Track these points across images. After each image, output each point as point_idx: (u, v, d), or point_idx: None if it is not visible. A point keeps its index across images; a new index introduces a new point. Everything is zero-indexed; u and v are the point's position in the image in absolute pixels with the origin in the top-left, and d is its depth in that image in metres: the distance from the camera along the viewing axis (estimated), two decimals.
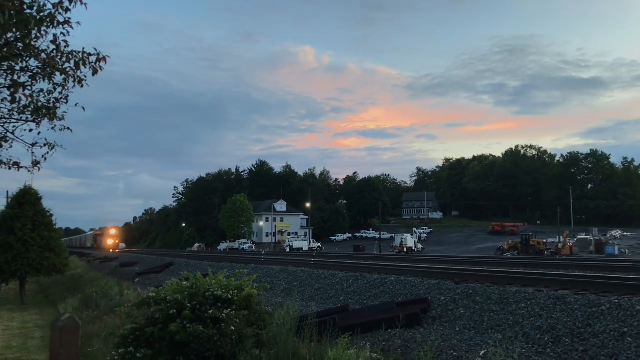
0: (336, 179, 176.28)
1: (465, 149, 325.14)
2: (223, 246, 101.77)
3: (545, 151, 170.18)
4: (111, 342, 12.30)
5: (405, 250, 71.03)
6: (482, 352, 11.06)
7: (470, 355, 10.89)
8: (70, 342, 2.13)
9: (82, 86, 6.71)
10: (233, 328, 10.74)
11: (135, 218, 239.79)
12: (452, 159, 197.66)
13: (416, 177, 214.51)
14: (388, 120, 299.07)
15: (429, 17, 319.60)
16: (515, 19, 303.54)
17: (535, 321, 12.45)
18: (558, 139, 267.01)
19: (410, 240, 75.87)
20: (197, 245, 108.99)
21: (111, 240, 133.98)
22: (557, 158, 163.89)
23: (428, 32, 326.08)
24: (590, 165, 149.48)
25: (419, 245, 79.66)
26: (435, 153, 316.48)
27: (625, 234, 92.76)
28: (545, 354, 10.82)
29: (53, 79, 6.64)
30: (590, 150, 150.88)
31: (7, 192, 43.09)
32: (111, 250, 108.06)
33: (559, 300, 13.04)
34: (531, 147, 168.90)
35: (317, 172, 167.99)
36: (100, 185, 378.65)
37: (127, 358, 10.40)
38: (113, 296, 22.44)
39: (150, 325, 10.75)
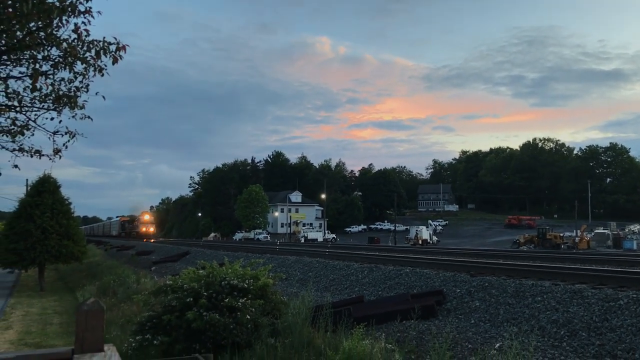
0: (351, 171, 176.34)
1: (482, 141, 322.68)
2: (238, 236, 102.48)
3: (564, 144, 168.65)
4: (128, 329, 12.49)
5: (420, 242, 70.96)
6: (498, 344, 11.03)
7: (486, 347, 10.87)
8: (95, 326, 2.17)
9: (102, 75, 6.80)
10: (249, 317, 10.85)
11: (152, 207, 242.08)
12: (468, 152, 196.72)
13: (432, 169, 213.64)
14: (404, 111, 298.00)
15: (447, 7, 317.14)
16: (535, 10, 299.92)
17: (552, 315, 12.38)
18: (577, 132, 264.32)
19: (425, 233, 75.76)
20: (212, 234, 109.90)
21: (145, 228, 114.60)
22: (575, 151, 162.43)
23: (445, 23, 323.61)
24: (609, 159, 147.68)
25: (434, 238, 79.49)
26: (452, 145, 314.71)
27: None
28: (561, 348, 10.77)
29: (74, 67, 6.72)
30: (610, 143, 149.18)
31: (27, 180, 43.65)
32: (145, 240, 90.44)
33: (576, 294, 12.94)
34: (549, 140, 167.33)
35: (333, 164, 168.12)
36: (117, 175, 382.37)
37: (144, 345, 10.55)
38: (130, 284, 22.72)
39: (167, 313, 10.88)
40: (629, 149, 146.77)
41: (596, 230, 71.69)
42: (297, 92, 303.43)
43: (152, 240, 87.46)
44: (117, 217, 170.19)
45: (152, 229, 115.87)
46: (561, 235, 66.02)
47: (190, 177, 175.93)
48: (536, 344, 9.95)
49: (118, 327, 13.99)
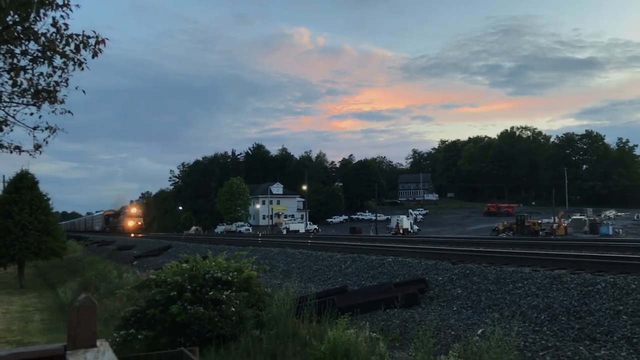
0: (332, 162, 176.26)
1: (461, 131, 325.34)
2: (220, 229, 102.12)
3: (540, 132, 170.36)
4: (112, 325, 12.42)
5: (401, 231, 71.39)
6: (480, 330, 11.21)
7: (468, 333, 11.04)
8: (88, 322, 2.18)
9: (82, 69, 6.71)
10: (233, 309, 10.87)
11: (131, 201, 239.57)
12: (447, 141, 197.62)
13: (412, 159, 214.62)
14: (384, 102, 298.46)
15: None
16: None
17: (532, 300, 12.61)
18: (553, 119, 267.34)
19: (406, 222, 76.24)
20: (194, 228, 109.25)
21: (132, 222, 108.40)
22: (552, 139, 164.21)
23: (424, 13, 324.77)
24: (585, 146, 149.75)
25: (415, 227, 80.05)
26: (431, 135, 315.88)
27: (619, 214, 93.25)
28: (542, 332, 10.98)
29: (53, 62, 6.63)
30: (585, 131, 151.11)
31: (3, 176, 42.99)
32: (132, 235, 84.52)
33: (555, 279, 13.19)
34: (526, 128, 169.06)
35: (313, 155, 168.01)
36: (95, 169, 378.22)
37: (129, 339, 10.53)
38: (112, 279, 22.58)
39: (151, 307, 10.87)
40: (604, 136, 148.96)
41: (573, 217, 72.81)
42: (277, 83, 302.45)
43: (140, 235, 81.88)
44: (97, 211, 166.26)
45: (140, 223, 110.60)
46: (539, 222, 66.91)
47: (171, 170, 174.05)
48: (518, 329, 10.13)
49: (101, 322, 13.91)
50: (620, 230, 63.36)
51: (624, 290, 11.38)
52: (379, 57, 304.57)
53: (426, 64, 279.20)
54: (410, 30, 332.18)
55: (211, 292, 10.99)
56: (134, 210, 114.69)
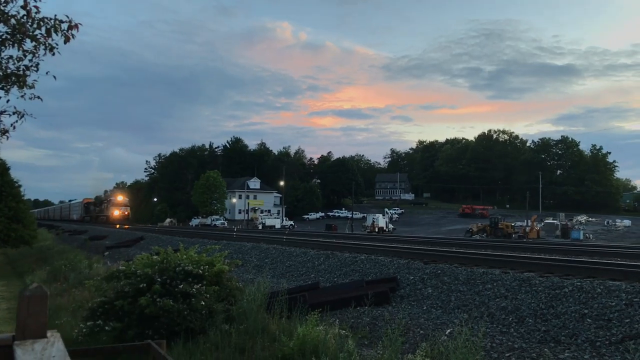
0: (311, 158, 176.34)
1: (440, 132, 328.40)
2: (195, 222, 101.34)
3: (517, 136, 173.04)
4: (79, 315, 12.25)
5: (376, 230, 71.72)
6: (448, 330, 11.31)
7: (437, 333, 11.13)
8: (38, 312, 2.12)
9: (53, 54, 6.56)
10: (203, 303, 10.81)
11: (105, 191, 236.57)
12: (425, 142, 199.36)
13: (390, 159, 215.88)
14: (364, 100, 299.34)
15: None
16: (493, 3, 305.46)
17: (501, 302, 12.76)
18: (530, 124, 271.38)
19: (381, 221, 76.60)
20: (168, 220, 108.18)
21: (118, 211, 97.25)
22: (528, 143, 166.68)
23: (407, 13, 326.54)
24: (560, 152, 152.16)
25: (390, 226, 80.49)
26: (410, 135, 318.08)
27: (590, 219, 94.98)
28: (509, 334, 11.12)
29: (23, 45, 6.48)
30: (561, 136, 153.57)
31: None
32: (118, 226, 74.72)
33: (524, 282, 13.36)
34: (504, 132, 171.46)
35: (292, 151, 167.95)
36: (70, 157, 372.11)
37: (96, 331, 10.39)
38: (82, 269, 22.27)
39: (120, 299, 10.74)
40: (579, 142, 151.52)
41: (546, 221, 73.95)
42: (257, 77, 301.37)
43: (127, 227, 71.72)
44: (70, 200, 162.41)
45: (127, 212, 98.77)
46: (512, 224, 67.88)
47: (146, 161, 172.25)
48: (485, 330, 10.24)
49: (69, 312, 13.70)
50: (591, 236, 64.54)
51: (589, 294, 11.58)
52: (360, 55, 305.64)
53: (407, 64, 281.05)
54: (392, 29, 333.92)
55: (181, 285, 10.90)
56: (120, 198, 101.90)
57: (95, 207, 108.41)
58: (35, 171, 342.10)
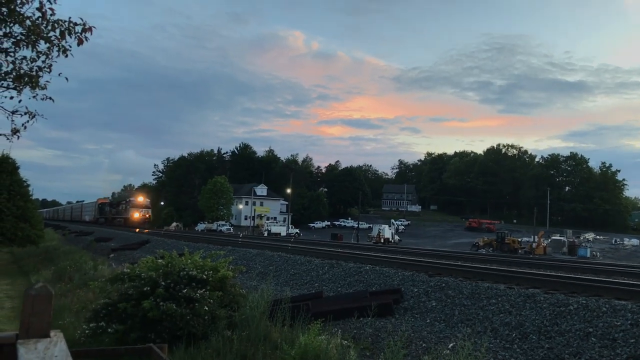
0: (318, 167, 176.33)
1: (448, 145, 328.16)
2: (201, 227, 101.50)
3: (526, 151, 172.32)
4: (82, 316, 12.27)
5: (382, 240, 71.51)
6: (451, 344, 11.24)
7: (439, 347, 11.07)
8: (42, 311, 2.14)
9: (66, 56, 6.63)
10: (206, 308, 10.80)
11: (113, 194, 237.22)
12: (434, 154, 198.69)
13: (397, 170, 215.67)
14: (373, 110, 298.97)
15: (421, 9, 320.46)
16: (506, 17, 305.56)
17: (505, 317, 12.68)
18: (540, 139, 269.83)
19: (387, 232, 76.40)
20: (174, 224, 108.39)
21: (138, 214, 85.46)
22: (537, 159, 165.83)
23: (418, 25, 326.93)
24: (569, 168, 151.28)
25: (396, 237, 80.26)
26: (418, 147, 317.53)
27: (598, 237, 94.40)
28: (512, 350, 11.04)
29: (37, 46, 6.55)
30: (570, 153, 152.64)
31: None
32: (137, 230, 65.91)
33: (529, 298, 13.28)
34: (512, 146, 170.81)
35: (300, 159, 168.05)
36: (79, 158, 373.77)
37: (98, 332, 10.40)
38: (87, 270, 22.31)
39: (123, 301, 10.75)
40: (588, 159, 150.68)
41: (553, 237, 73.53)
42: (268, 84, 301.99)
43: (146, 231, 63.97)
44: (77, 201, 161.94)
45: (148, 215, 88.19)
46: (519, 240, 67.55)
47: (155, 165, 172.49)
48: (488, 345, 10.18)
49: (72, 313, 13.73)
50: (598, 254, 64.09)
51: (594, 313, 11.49)
52: (371, 65, 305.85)
53: (418, 76, 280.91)
54: (404, 41, 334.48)
55: (185, 290, 10.91)
56: (141, 198, 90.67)
57: (112, 209, 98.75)
58: (44, 171, 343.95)
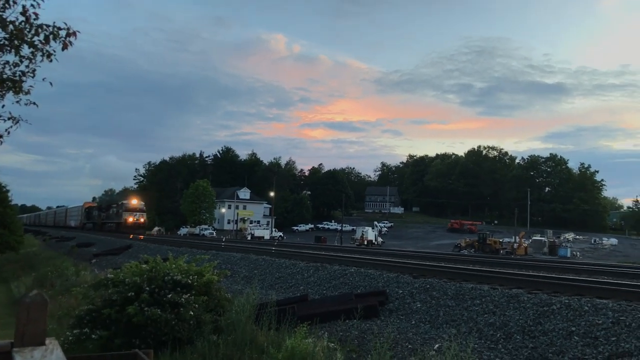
0: (301, 170, 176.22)
1: (430, 147, 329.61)
2: (183, 231, 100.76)
3: (507, 153, 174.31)
4: (66, 323, 12.13)
5: (365, 243, 71.69)
6: (437, 345, 11.32)
7: (425, 348, 11.13)
8: (38, 319, 2.12)
9: (50, 61, 6.56)
10: (192, 313, 10.74)
11: (94, 198, 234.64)
12: (415, 156, 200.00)
13: (380, 172, 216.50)
14: (355, 113, 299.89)
15: (402, 13, 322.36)
16: (485, 20, 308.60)
17: (489, 318, 12.80)
18: (519, 141, 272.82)
19: (371, 234, 76.61)
20: (156, 228, 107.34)
21: (132, 218, 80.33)
22: (517, 160, 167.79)
23: (400, 28, 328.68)
24: (548, 169, 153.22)
25: (379, 239, 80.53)
26: (400, 149, 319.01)
27: (577, 237, 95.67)
28: (497, 350, 11.15)
29: (20, 51, 6.47)
30: (550, 154, 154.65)
31: None
32: (131, 236, 60.43)
33: (513, 298, 13.42)
34: (493, 148, 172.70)
35: (283, 162, 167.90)
36: (59, 163, 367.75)
37: (82, 339, 10.30)
38: (69, 276, 22.07)
39: (107, 307, 10.66)
40: (567, 160, 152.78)
41: (533, 238, 74.38)
42: (250, 88, 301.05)
43: (141, 237, 58.54)
44: (58, 206, 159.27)
45: (143, 219, 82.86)
46: (500, 240, 68.20)
47: (136, 169, 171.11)
48: (473, 346, 10.26)
49: (55, 320, 13.54)
50: (578, 253, 64.90)
51: (577, 312, 11.65)
52: (353, 68, 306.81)
53: (399, 79, 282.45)
54: (385, 44, 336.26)
55: (170, 295, 10.84)
56: (134, 201, 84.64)
57: (101, 213, 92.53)
58: (24, 176, 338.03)
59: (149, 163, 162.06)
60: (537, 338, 11.19)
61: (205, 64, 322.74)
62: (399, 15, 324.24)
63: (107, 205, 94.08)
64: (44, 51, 6.47)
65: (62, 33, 6.30)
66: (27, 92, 6.88)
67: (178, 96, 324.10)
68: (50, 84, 6.88)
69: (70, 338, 10.29)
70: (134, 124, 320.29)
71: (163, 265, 12.10)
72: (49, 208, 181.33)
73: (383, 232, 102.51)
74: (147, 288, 10.96)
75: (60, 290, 19.06)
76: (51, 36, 6.24)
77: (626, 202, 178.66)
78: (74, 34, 6.36)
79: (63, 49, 6.36)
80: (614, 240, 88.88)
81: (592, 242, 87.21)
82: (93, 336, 10.23)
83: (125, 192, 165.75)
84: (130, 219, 79.97)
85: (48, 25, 6.26)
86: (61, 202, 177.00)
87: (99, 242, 53.69)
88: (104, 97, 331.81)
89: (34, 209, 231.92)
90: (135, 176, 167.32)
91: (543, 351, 10.63)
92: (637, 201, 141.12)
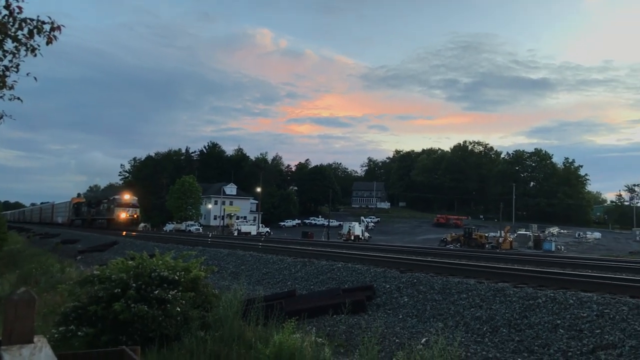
0: (288, 165, 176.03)
1: (416, 142, 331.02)
2: (169, 227, 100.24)
3: (492, 148, 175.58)
4: (51, 320, 12.02)
5: (352, 238, 71.89)
6: (424, 339, 11.39)
7: (412, 342, 11.19)
8: (26, 316, 2.10)
9: (35, 55, 6.47)
10: (179, 309, 10.70)
11: (79, 194, 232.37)
12: (402, 151, 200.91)
13: (367, 167, 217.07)
14: (342, 109, 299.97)
15: (389, 8, 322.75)
16: (471, 16, 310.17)
17: (476, 311, 12.89)
18: (505, 136, 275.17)
19: (357, 229, 76.86)
20: (142, 225, 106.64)
21: (125, 214, 76.45)
22: (502, 155, 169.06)
23: (386, 24, 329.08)
24: (533, 164, 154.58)
25: (366, 234, 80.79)
26: (387, 144, 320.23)
27: (562, 231, 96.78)
28: (483, 343, 11.24)
29: (4, 45, 6.38)
30: (535, 149, 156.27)
31: None
32: (124, 233, 57.23)
33: (499, 292, 13.53)
34: (478, 143, 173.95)
35: (270, 157, 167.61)
36: (43, 159, 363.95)
37: (68, 336, 10.20)
38: (54, 273, 21.89)
39: (94, 304, 10.57)
40: (552, 155, 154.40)
41: (518, 232, 75.11)
42: (236, 83, 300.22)
43: (134, 234, 57.35)
44: (42, 202, 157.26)
45: (136, 215, 79.39)
46: (486, 235, 68.72)
47: (121, 165, 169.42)
48: (460, 340, 10.34)
49: (40, 317, 13.42)
50: (562, 247, 65.66)
51: (562, 305, 11.78)
52: (339, 64, 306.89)
53: (386, 75, 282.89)
54: (372, 39, 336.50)
55: (156, 291, 10.78)
56: (127, 196, 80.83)
57: (91, 209, 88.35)
58: (6, 172, 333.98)
59: (134, 159, 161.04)
60: (523, 331, 11.30)
61: (191, 59, 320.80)
62: (385, 10, 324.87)
63: (98, 201, 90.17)
64: (28, 46, 6.38)
65: (47, 27, 6.22)
66: (11, 87, 6.80)
67: (164, 91, 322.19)
68: (35, 78, 6.80)
69: (56, 335, 10.19)
70: (119, 119, 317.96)
71: (150, 261, 12.03)
72: (33, 204, 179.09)
73: (370, 227, 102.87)
74: (134, 284, 10.89)
75: (45, 288, 18.89)
76: (35, 30, 6.17)
77: (609, 196, 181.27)
78: (59, 28, 6.29)
79: (47, 44, 6.28)
80: (597, 234, 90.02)
81: (576, 236, 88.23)
82: (79, 333, 10.14)
83: (111, 188, 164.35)
84: (123, 215, 76.60)
85: (32, 20, 6.18)
86: (45, 199, 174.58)
87: (85, 239, 53.26)
88: (89, 93, 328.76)
89: (17, 205, 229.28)
90: (120, 172, 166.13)
91: (529, 344, 10.74)
92: (620, 195, 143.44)
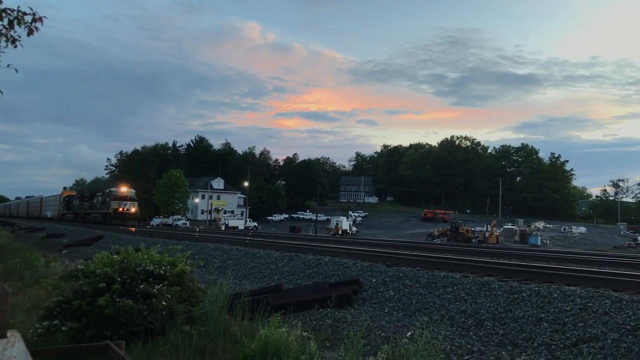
0: (276, 159, 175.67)
1: (404, 137, 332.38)
2: (156, 222, 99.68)
3: (479, 143, 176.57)
4: (35, 315, 11.91)
5: (340, 232, 72.03)
6: (409, 333, 11.44)
7: (398, 336, 11.25)
8: None
9: (15, 46, 6.37)
10: (164, 303, 10.65)
11: (65, 188, 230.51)
12: (390, 146, 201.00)
13: (355, 162, 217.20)
14: (330, 103, 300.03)
15: (377, 3, 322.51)
16: (459, 11, 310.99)
17: (461, 305, 12.97)
18: (492, 131, 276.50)
19: (345, 223, 77.04)
20: None
21: (122, 208, 72.05)
22: (489, 150, 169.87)
23: (375, 18, 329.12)
24: (520, 159, 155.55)
25: (354, 228, 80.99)
26: (375, 139, 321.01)
27: (547, 225, 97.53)
28: (468, 337, 11.32)
29: None
30: (521, 144, 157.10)
31: None
32: (122, 228, 55.12)
33: (484, 286, 13.61)
34: (466, 138, 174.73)
35: (257, 151, 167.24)
36: (28, 153, 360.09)
37: (52, 331, 10.12)
38: (39, 267, 21.67)
39: (78, 298, 10.49)
40: (538, 150, 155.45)
41: (505, 226, 75.72)
42: (223, 76, 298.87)
43: (132, 229, 53.79)
44: (27, 196, 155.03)
45: (135, 209, 74.79)
46: (472, 229, 69.21)
47: (107, 158, 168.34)
48: (445, 333, 10.40)
49: (24, 312, 13.29)
50: (548, 241, 66.28)
51: (546, 299, 11.88)
52: (328, 58, 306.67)
53: (374, 69, 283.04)
54: (360, 34, 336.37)
55: (142, 285, 10.72)
56: (124, 189, 76.04)
57: (84, 202, 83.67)
58: None
59: (120, 152, 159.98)
60: (508, 325, 11.39)
61: (177, 52, 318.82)
62: (373, 5, 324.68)
63: (91, 194, 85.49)
64: (8, 36, 6.28)
65: (28, 18, 6.13)
66: None
67: (150, 85, 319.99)
68: (16, 70, 6.68)
69: (40, 330, 10.11)
70: (105, 112, 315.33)
71: (135, 255, 11.95)
72: (17, 198, 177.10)
73: (357, 222, 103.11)
74: (119, 279, 10.82)
75: (30, 282, 18.70)
76: (15, 21, 6.07)
77: (594, 191, 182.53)
78: (40, 19, 6.20)
79: (29, 35, 6.19)
80: (582, 229, 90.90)
81: (562, 230, 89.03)
82: (63, 328, 10.06)
83: (98, 182, 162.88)
84: (120, 209, 72.15)
85: (12, 10, 6.09)
86: (30, 192, 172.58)
87: (70, 233, 52.85)
88: (74, 85, 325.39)
89: (2, 199, 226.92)
90: (106, 166, 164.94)
91: (513, 337, 10.83)
92: (605, 190, 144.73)
